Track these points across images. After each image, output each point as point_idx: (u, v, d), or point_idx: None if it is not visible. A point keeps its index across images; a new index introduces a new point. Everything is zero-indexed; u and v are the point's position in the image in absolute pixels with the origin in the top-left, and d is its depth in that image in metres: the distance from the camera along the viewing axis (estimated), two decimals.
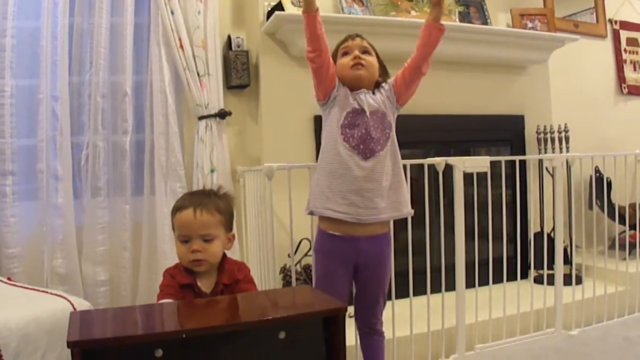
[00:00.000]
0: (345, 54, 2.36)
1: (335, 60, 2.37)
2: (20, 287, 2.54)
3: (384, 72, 2.43)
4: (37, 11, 3.08)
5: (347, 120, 2.29)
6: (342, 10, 3.45)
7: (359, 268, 2.34)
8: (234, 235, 2.06)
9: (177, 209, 1.98)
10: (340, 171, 2.26)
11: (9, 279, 2.70)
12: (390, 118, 2.36)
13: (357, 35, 2.39)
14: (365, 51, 2.35)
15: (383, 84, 2.41)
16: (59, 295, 2.35)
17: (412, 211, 2.43)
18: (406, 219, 2.59)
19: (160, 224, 3.20)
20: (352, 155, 2.26)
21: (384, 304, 2.45)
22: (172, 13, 3.18)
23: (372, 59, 2.36)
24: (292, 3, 3.24)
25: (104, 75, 3.18)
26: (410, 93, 2.41)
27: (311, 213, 2.38)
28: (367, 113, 2.29)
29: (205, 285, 1.95)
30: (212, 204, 1.97)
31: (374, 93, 2.36)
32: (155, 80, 3.24)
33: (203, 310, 1.71)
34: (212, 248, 1.94)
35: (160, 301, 1.86)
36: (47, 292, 2.43)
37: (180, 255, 1.96)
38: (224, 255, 2.02)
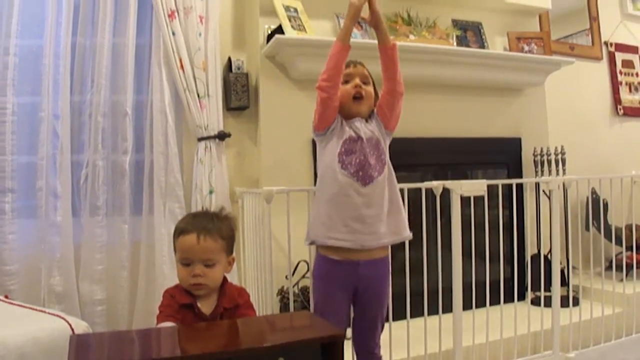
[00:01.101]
0: (346, 81, 2.37)
1: None
2: (18, 305, 2.53)
3: (376, 99, 2.45)
4: (40, 30, 3.10)
5: (343, 148, 2.30)
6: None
7: (358, 292, 2.35)
8: (233, 259, 2.06)
9: (180, 231, 1.97)
10: (341, 199, 2.27)
11: (6, 296, 2.69)
12: (383, 145, 2.38)
13: (359, 63, 2.41)
14: (365, 81, 2.37)
15: (372, 113, 2.43)
16: (57, 315, 2.34)
17: (411, 234, 2.45)
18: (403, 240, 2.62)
19: (158, 243, 3.20)
20: (351, 182, 2.27)
21: (382, 327, 2.46)
22: (174, 34, 3.21)
23: (370, 90, 2.39)
24: (292, 27, 3.26)
25: (105, 94, 3.20)
26: (395, 117, 2.42)
27: (312, 243, 2.39)
28: (364, 140, 2.31)
29: (205, 306, 1.95)
30: (215, 230, 1.97)
31: (367, 121, 2.39)
32: (156, 100, 3.26)
33: (201, 335, 1.71)
34: (213, 273, 1.94)
35: (160, 324, 1.86)
36: (44, 312, 2.43)
37: (181, 278, 1.96)
38: (225, 278, 2.02)
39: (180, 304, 1.92)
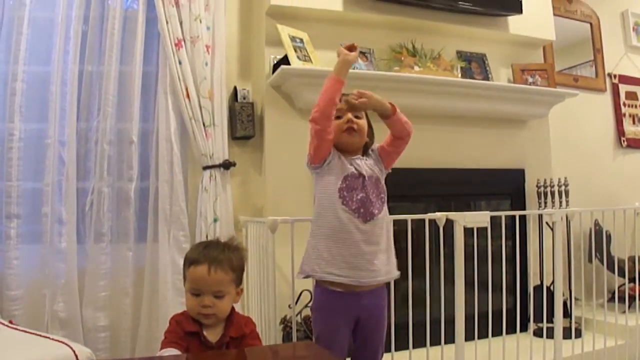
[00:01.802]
0: (338, 117, 2.36)
1: None
2: (22, 331, 2.54)
3: (370, 132, 2.47)
4: (48, 57, 3.13)
5: (344, 184, 2.31)
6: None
7: (360, 322, 2.34)
8: (242, 290, 2.09)
9: (191, 262, 1.99)
10: (341, 235, 2.27)
11: (10, 321, 2.70)
12: (382, 183, 2.41)
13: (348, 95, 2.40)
14: (357, 115, 2.38)
15: (370, 150, 2.45)
16: (61, 342, 2.34)
17: (399, 273, 2.45)
18: (406, 270, 2.63)
19: (162, 271, 3.20)
20: (352, 219, 2.27)
21: (382, 355, 2.45)
22: (180, 63, 3.24)
23: (363, 123, 2.40)
24: (298, 57, 3.28)
25: (111, 122, 3.22)
26: (396, 159, 2.46)
27: (307, 277, 2.38)
28: (366, 177, 2.33)
29: (211, 335, 1.96)
30: (226, 262, 2.00)
31: (366, 158, 2.40)
32: (162, 128, 3.28)
33: None
34: (222, 304, 1.96)
35: (163, 349, 1.87)
36: (48, 338, 2.43)
37: (189, 307, 1.97)
38: (232, 308, 2.03)
39: (187, 331, 1.93)
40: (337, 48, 2.37)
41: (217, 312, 1.95)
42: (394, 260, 2.40)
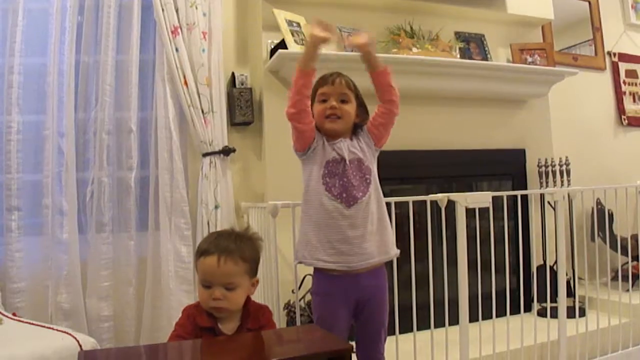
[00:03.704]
0: (323, 100, 2.34)
1: (312, 101, 2.36)
2: (26, 323, 2.54)
3: (363, 112, 2.41)
4: (44, 48, 3.12)
5: (327, 170, 2.29)
6: (345, 47, 3.49)
7: (360, 303, 2.33)
8: (257, 281, 2.01)
9: (201, 252, 1.93)
10: (326, 221, 2.26)
11: (13, 314, 2.70)
12: (368, 163, 2.36)
13: (338, 76, 2.36)
14: (343, 99, 2.33)
15: (360, 130, 2.41)
16: (65, 332, 2.35)
17: (399, 252, 2.44)
18: (409, 253, 2.62)
19: (164, 259, 3.20)
20: (335, 205, 2.26)
21: (385, 337, 2.44)
22: (177, 50, 3.22)
23: (348, 108, 2.34)
24: (295, 41, 3.27)
25: (109, 111, 3.21)
26: (387, 135, 2.41)
27: (300, 262, 2.38)
28: (347, 161, 2.29)
29: (227, 328, 1.91)
30: (237, 252, 1.93)
31: (351, 139, 2.37)
32: (160, 117, 3.27)
33: (208, 350, 1.71)
34: (234, 296, 1.90)
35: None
36: (52, 329, 2.44)
37: (201, 300, 1.92)
38: (248, 298, 1.98)
39: (201, 327, 1.88)
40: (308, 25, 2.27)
41: (229, 305, 1.89)
42: (389, 240, 2.38)
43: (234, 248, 1.93)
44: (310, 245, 2.30)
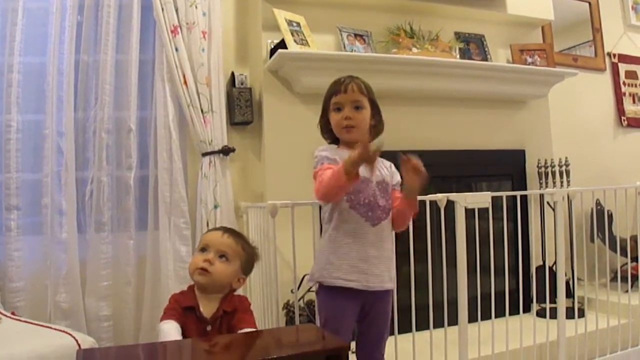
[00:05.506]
0: (337, 109, 2.30)
1: (327, 108, 2.36)
2: (25, 322, 2.54)
3: (376, 113, 2.37)
4: (43, 48, 3.12)
5: (352, 187, 2.22)
6: (344, 47, 3.49)
7: (366, 306, 2.31)
8: (244, 280, 2.17)
9: (207, 231, 2.22)
10: (348, 239, 2.25)
11: (12, 313, 2.70)
12: (390, 190, 2.36)
13: (350, 81, 2.31)
14: (357, 105, 2.29)
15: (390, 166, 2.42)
16: (63, 331, 2.35)
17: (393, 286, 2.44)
18: (408, 253, 2.63)
19: (163, 258, 3.20)
20: (360, 222, 2.25)
21: (387, 338, 2.44)
22: (177, 50, 3.22)
23: (362, 116, 2.31)
24: (295, 41, 3.27)
25: (109, 111, 3.21)
26: None
27: (318, 282, 2.34)
28: (374, 182, 2.29)
29: (206, 311, 2.05)
30: (240, 240, 2.18)
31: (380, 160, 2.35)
32: (160, 116, 3.26)
33: (207, 349, 1.72)
34: (221, 266, 2.08)
35: (163, 322, 1.96)
36: (51, 328, 2.44)
37: (191, 263, 2.11)
38: (231, 289, 2.12)
39: (183, 306, 2.02)
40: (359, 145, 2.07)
41: (214, 272, 2.06)
42: (393, 269, 2.39)
43: (238, 236, 2.21)
44: (331, 264, 2.26)
